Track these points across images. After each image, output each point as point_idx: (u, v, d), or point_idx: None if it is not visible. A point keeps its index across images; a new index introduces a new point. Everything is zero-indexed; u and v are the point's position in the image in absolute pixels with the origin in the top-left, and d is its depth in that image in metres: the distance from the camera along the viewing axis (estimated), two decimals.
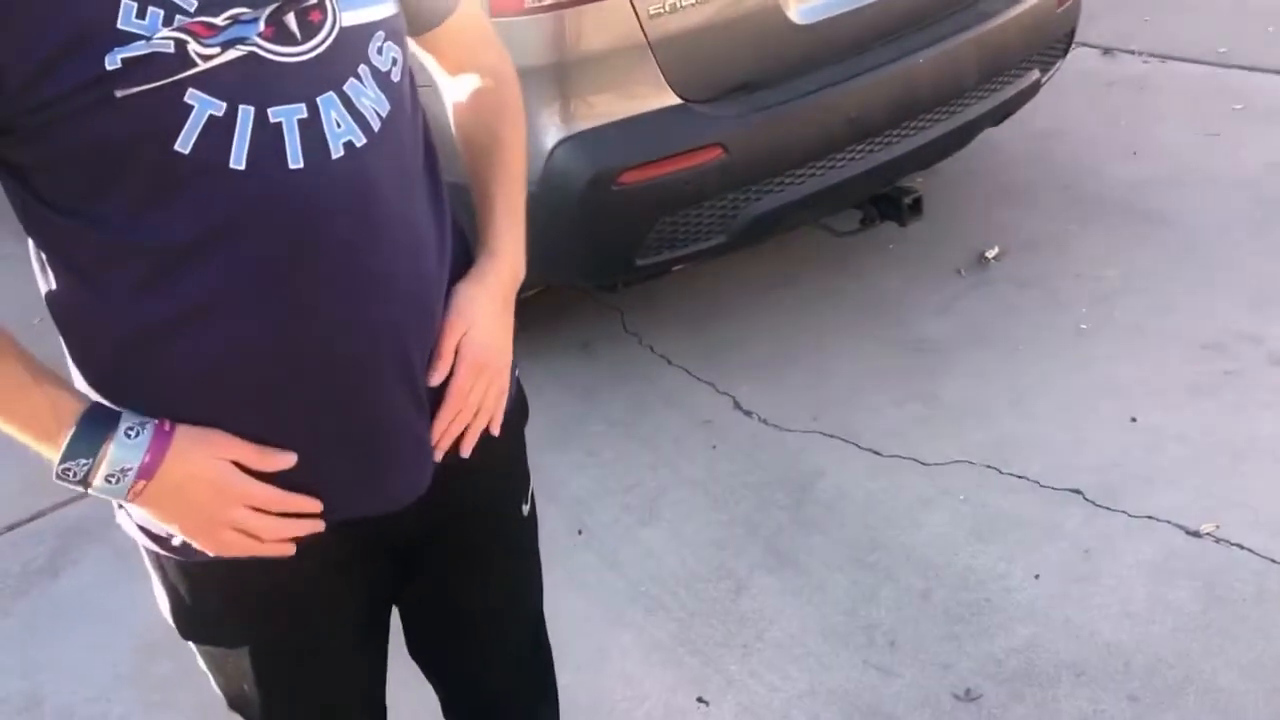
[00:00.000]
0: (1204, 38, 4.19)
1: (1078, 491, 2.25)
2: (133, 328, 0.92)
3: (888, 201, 2.84)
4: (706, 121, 2.37)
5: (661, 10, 2.27)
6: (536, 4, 2.23)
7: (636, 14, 2.25)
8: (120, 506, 1.06)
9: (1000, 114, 2.91)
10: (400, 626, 1.28)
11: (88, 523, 2.63)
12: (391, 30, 0.97)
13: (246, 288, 0.91)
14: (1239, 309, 2.69)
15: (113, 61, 0.83)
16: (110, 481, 0.91)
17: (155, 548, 1.04)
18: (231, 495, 0.95)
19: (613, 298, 3.15)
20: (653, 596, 2.18)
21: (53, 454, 0.91)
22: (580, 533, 2.36)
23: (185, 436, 0.93)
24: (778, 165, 2.48)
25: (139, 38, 0.83)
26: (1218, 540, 2.07)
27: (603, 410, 2.75)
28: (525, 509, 1.25)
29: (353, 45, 0.93)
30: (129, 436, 0.91)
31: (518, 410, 1.20)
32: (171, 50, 0.84)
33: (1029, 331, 2.76)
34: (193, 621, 1.08)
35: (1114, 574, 2.04)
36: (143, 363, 0.93)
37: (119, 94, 0.84)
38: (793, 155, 2.48)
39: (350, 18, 0.93)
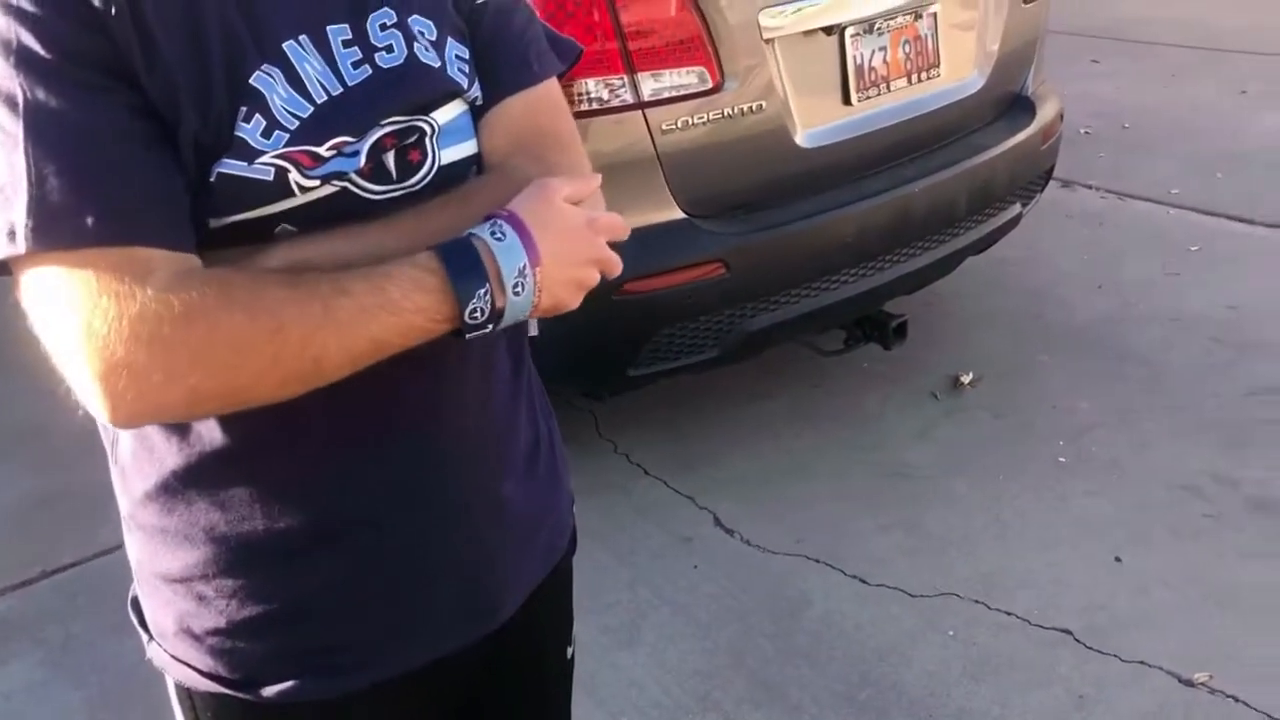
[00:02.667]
0: (1157, 178, 4.36)
1: (1067, 632, 2.22)
2: (190, 458, 0.89)
3: (873, 323, 2.85)
4: (710, 237, 2.36)
5: (674, 126, 2.27)
6: None
7: (649, 128, 2.25)
8: (151, 639, 0.97)
9: (984, 244, 2.97)
10: None
11: (16, 618, 2.46)
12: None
13: (314, 427, 0.88)
14: (1213, 451, 2.73)
15: (211, 174, 0.78)
16: (517, 292, 0.81)
17: (196, 683, 0.95)
18: (591, 226, 0.86)
19: (587, 401, 3.09)
20: None
21: (444, 317, 0.79)
22: None
23: (526, 206, 0.83)
24: (776, 284, 2.47)
25: (247, 150, 0.78)
26: (1212, 691, 2.05)
27: (577, 519, 2.66)
28: (569, 651, 1.21)
29: (449, 182, 0.89)
30: (498, 239, 0.81)
31: (571, 548, 1.15)
32: (270, 178, 0.79)
33: (1008, 462, 2.76)
34: None
35: None
36: (209, 491, 0.90)
37: (213, 223, 0.80)
38: (791, 275, 2.48)
39: (450, 154, 0.90)
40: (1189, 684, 2.07)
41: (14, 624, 2.44)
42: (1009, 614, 2.28)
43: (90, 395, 0.73)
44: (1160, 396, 2.98)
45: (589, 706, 2.14)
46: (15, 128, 0.72)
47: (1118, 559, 2.41)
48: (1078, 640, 2.20)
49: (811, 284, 2.54)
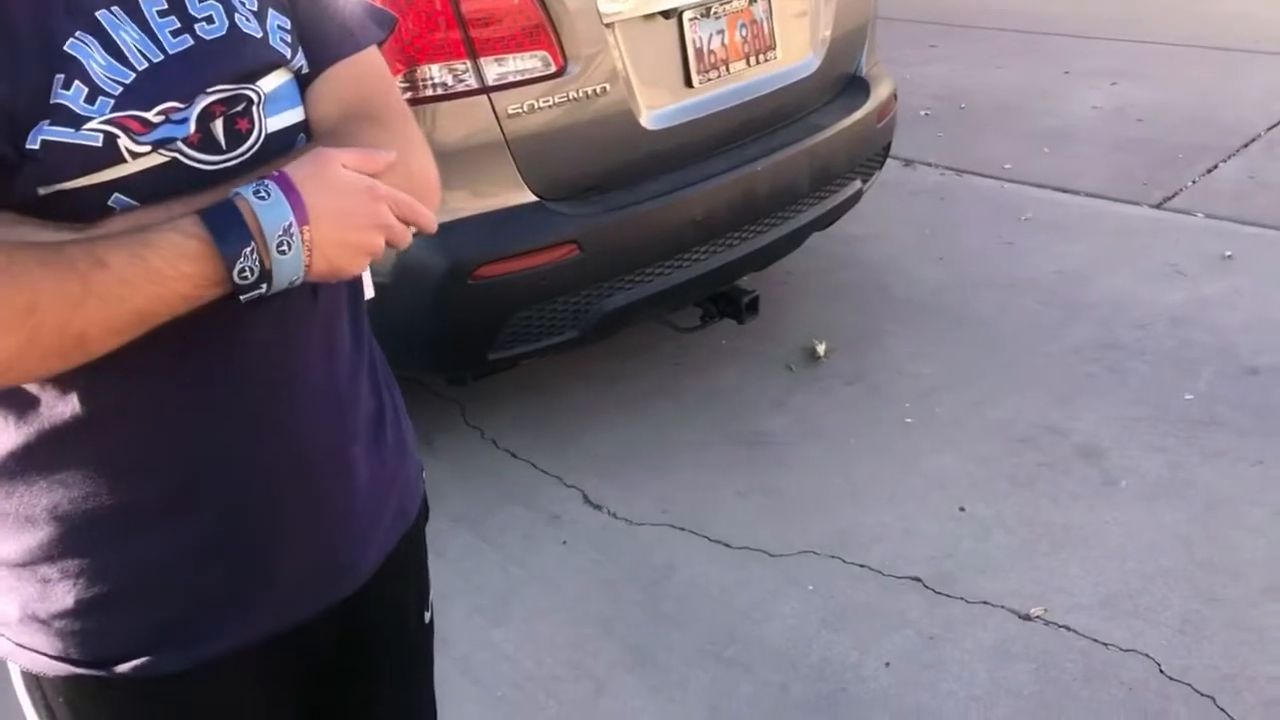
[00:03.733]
0: (991, 155, 4.60)
1: (917, 579, 2.35)
2: (29, 436, 0.88)
3: (726, 300, 2.94)
4: (562, 219, 2.40)
5: (520, 110, 2.30)
6: None
7: (495, 112, 2.28)
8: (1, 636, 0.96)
9: (828, 220, 3.09)
10: None
11: None
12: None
13: (158, 397, 0.89)
14: (1045, 404, 2.92)
15: (33, 140, 0.78)
16: (283, 251, 0.81)
17: (45, 669, 0.94)
18: (371, 191, 0.86)
19: (452, 390, 3.10)
20: (511, 702, 2.12)
21: (211, 282, 0.80)
22: None
23: (298, 169, 0.84)
24: (629, 263, 2.53)
25: (71, 116, 0.79)
26: (1046, 623, 2.20)
27: (447, 506, 2.68)
28: (427, 616, 1.22)
29: (277, 150, 0.91)
30: (261, 198, 0.81)
31: (422, 515, 1.18)
32: (99, 144, 0.80)
33: (859, 425, 2.90)
34: None
35: (957, 659, 2.14)
36: (60, 459, 0.89)
37: (42, 191, 0.80)
38: (643, 254, 2.55)
39: (276, 122, 0.92)
40: (1026, 618, 2.22)
41: None
42: (863, 566, 2.40)
43: None
44: (997, 356, 3.16)
45: (464, 684, 2.17)
46: None
47: (962, 509, 2.56)
48: (927, 586, 2.33)
49: (664, 263, 2.61)
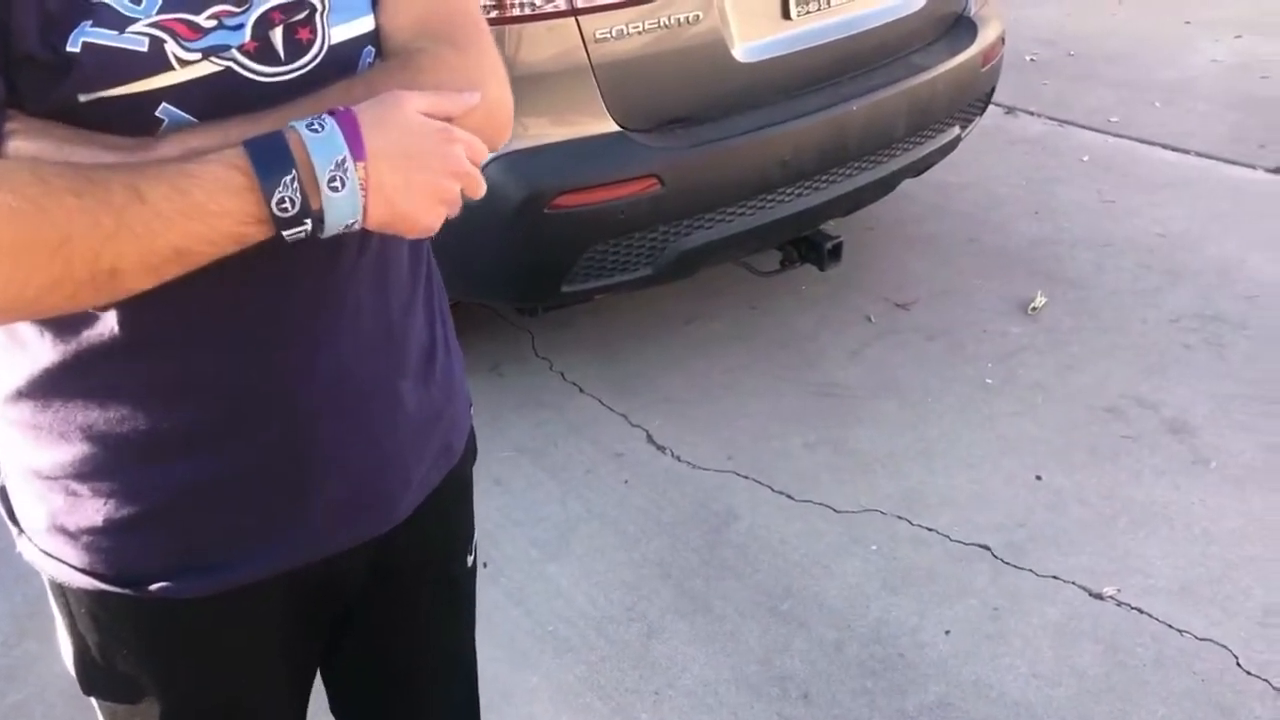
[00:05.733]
0: (1098, 106, 4.38)
1: (986, 548, 2.28)
2: (66, 354, 0.85)
3: (808, 245, 2.85)
4: (644, 151, 2.33)
5: (608, 35, 2.22)
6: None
7: (583, 36, 2.20)
8: (21, 533, 0.94)
9: (922, 166, 2.96)
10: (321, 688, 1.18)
11: None
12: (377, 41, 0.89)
13: (203, 321, 0.85)
14: (1136, 375, 2.79)
15: (73, 42, 0.72)
16: (335, 188, 0.75)
17: (69, 579, 0.92)
18: (444, 134, 0.79)
19: (523, 320, 3.08)
20: (561, 637, 2.11)
21: (255, 219, 0.74)
22: (485, 565, 2.27)
23: (365, 108, 0.77)
24: (710, 201, 2.45)
25: (116, 17, 0.73)
26: (1119, 604, 2.12)
27: (511, 436, 2.67)
28: (469, 560, 1.18)
29: (340, 64, 0.85)
30: (314, 130, 0.74)
31: (468, 454, 1.13)
32: (144, 49, 0.74)
33: (937, 383, 2.80)
34: (98, 674, 0.96)
35: (1021, 634, 2.07)
36: (92, 388, 0.85)
37: (83, 98, 0.74)
38: (726, 192, 2.46)
39: (340, 33, 0.85)
40: (1098, 597, 2.14)
41: None
42: (930, 530, 2.33)
43: None
44: (1087, 321, 3.03)
45: (517, 616, 2.16)
46: None
47: (1038, 478, 2.47)
48: (995, 556, 2.26)
49: (747, 202, 2.52)
